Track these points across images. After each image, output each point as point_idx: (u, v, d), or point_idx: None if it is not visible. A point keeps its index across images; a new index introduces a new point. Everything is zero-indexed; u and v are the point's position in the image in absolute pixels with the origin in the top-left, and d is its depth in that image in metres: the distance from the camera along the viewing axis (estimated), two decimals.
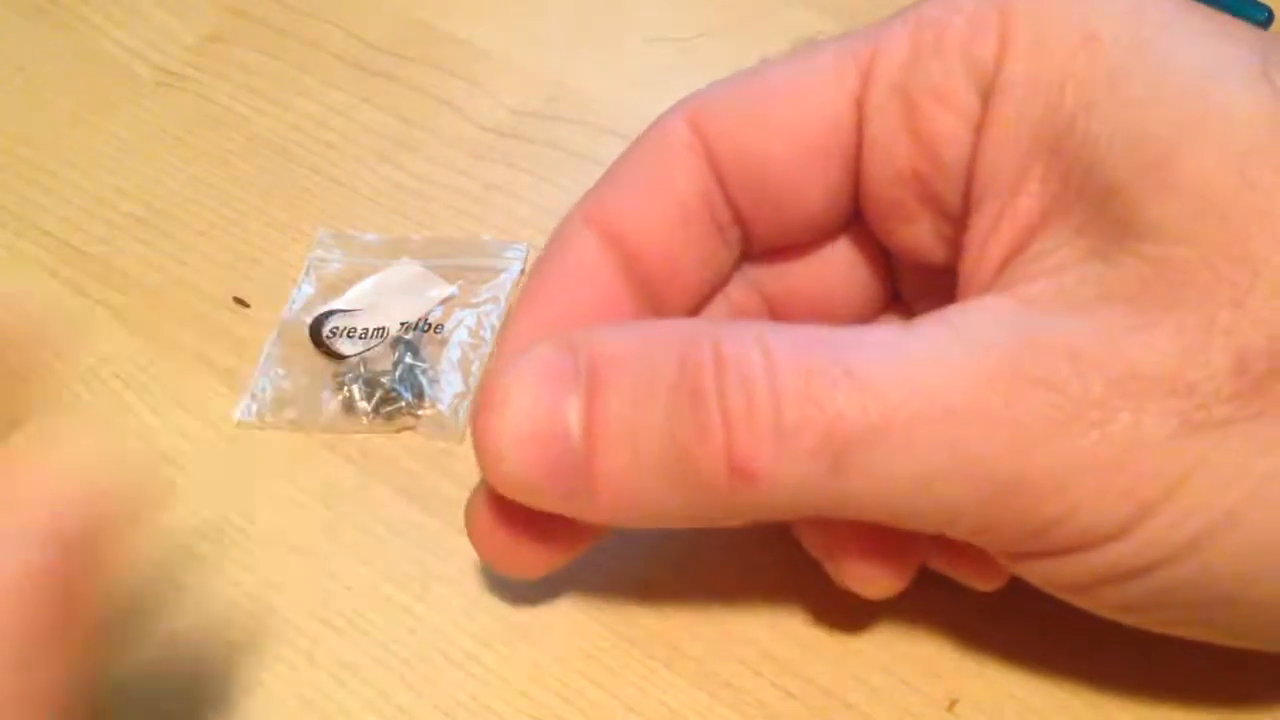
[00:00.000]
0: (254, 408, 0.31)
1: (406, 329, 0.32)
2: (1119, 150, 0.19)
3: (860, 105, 0.23)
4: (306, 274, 0.34)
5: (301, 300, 0.33)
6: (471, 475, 0.25)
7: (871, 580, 0.23)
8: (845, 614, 0.26)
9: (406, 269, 0.34)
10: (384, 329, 0.32)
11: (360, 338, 0.32)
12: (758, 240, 0.26)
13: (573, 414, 0.21)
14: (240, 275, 0.34)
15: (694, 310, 0.26)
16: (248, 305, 0.33)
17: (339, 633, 0.26)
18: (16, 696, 0.15)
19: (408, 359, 0.31)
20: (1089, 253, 0.20)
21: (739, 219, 0.25)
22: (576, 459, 0.21)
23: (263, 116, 0.39)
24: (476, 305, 0.33)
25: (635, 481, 0.21)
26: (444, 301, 0.33)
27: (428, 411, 0.30)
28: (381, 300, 0.33)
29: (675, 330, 0.21)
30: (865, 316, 0.27)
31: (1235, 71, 0.19)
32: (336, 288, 0.33)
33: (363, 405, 0.30)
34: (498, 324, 0.32)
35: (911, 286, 0.27)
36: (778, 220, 0.25)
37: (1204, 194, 0.18)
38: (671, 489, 0.20)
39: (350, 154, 0.38)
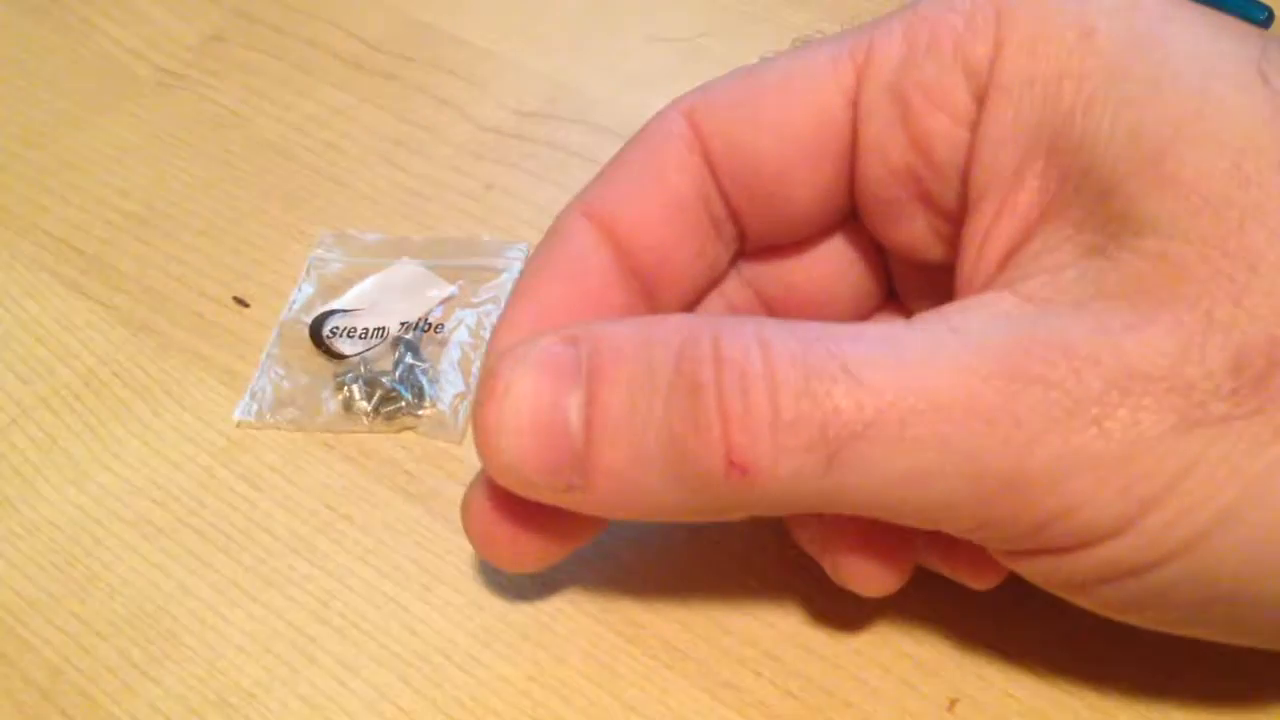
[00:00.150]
0: (254, 407, 0.31)
1: (407, 329, 0.32)
2: (1117, 147, 0.19)
3: (855, 103, 0.23)
4: (307, 274, 0.34)
5: (302, 300, 0.33)
6: (471, 475, 0.25)
7: (868, 577, 0.23)
8: (845, 614, 0.26)
9: (407, 269, 0.34)
10: (384, 329, 0.32)
11: (360, 338, 0.32)
12: (753, 237, 0.26)
13: (573, 407, 0.21)
14: (240, 275, 0.34)
15: (689, 305, 0.26)
16: (248, 305, 0.33)
17: (339, 633, 0.26)
18: None
19: (408, 359, 0.31)
20: (1087, 249, 0.20)
21: (734, 215, 0.25)
22: (576, 451, 0.21)
23: (263, 116, 0.39)
24: (477, 305, 0.33)
25: (633, 475, 0.21)
26: (444, 301, 0.33)
27: (428, 411, 0.30)
28: (382, 300, 0.33)
29: (676, 325, 0.21)
30: (861, 315, 0.27)
31: (1232, 68, 0.19)
32: (337, 288, 0.33)
33: (363, 405, 0.30)
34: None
35: (907, 284, 0.27)
36: (772, 217, 0.25)
37: (1202, 190, 0.18)
38: (669, 483, 0.20)
39: (351, 154, 0.38)
